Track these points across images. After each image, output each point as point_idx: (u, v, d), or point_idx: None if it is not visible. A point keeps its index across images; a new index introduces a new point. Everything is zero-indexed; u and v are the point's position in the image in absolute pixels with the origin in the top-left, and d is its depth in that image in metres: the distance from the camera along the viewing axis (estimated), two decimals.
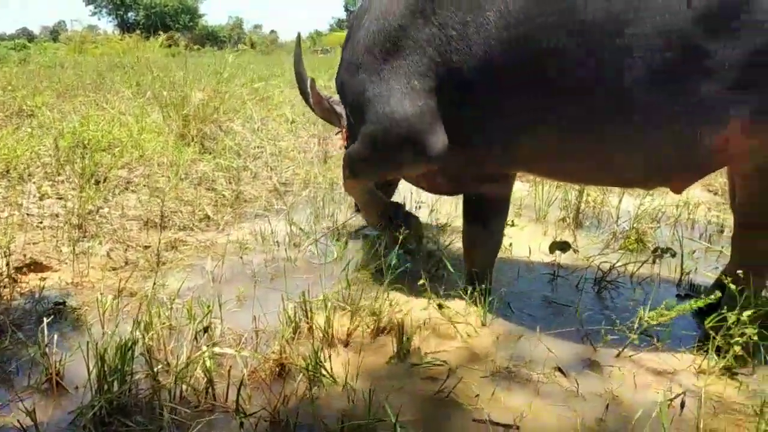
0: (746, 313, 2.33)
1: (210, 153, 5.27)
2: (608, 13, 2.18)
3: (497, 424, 1.97)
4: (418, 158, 2.66)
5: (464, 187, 2.95)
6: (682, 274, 3.22)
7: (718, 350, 2.28)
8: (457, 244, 3.60)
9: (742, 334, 2.23)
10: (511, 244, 3.56)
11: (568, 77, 2.31)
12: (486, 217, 2.93)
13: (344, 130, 3.11)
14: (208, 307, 2.29)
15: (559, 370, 2.31)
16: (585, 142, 2.45)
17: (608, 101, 2.29)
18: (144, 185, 4.36)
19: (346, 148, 3.10)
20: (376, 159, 2.85)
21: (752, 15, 2.04)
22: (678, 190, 2.66)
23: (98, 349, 1.98)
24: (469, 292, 2.82)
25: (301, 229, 3.70)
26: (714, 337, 2.28)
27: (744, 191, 2.50)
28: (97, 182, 4.26)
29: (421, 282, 2.67)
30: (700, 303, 2.31)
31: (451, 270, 2.96)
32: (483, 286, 2.76)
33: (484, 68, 2.41)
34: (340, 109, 3.12)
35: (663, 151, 2.36)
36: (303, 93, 3.25)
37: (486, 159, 2.68)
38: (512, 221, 3.72)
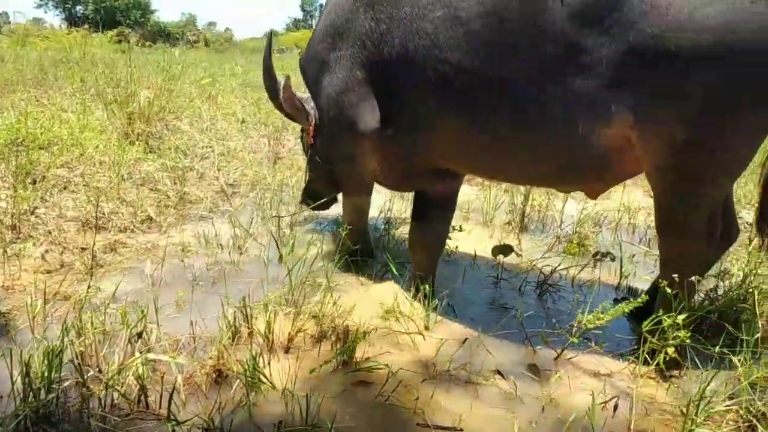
0: (680, 317, 2.40)
1: (155, 152, 5.13)
2: (494, 8, 2.31)
3: (441, 428, 1.98)
4: (355, 135, 2.86)
5: (412, 182, 3.10)
6: (621, 277, 3.30)
7: (653, 352, 2.35)
8: (403, 247, 3.61)
9: (675, 338, 2.30)
10: (457, 248, 3.60)
11: (459, 75, 2.43)
12: (432, 215, 3.03)
13: (311, 127, 3.28)
14: (143, 311, 2.22)
15: (499, 373, 2.34)
16: (481, 139, 2.57)
17: (493, 98, 2.42)
18: (84, 185, 4.21)
19: (311, 144, 3.32)
20: (331, 141, 3.08)
21: (624, 14, 2.09)
22: (592, 195, 2.76)
23: (23, 355, 1.89)
24: (412, 295, 2.83)
25: (246, 230, 3.63)
26: (649, 340, 2.35)
27: (654, 194, 2.51)
28: (34, 181, 4.10)
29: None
30: (630, 306, 2.36)
31: (396, 273, 2.97)
32: (427, 288, 2.77)
33: (403, 61, 2.60)
34: (308, 107, 3.30)
35: (556, 151, 2.46)
36: (270, 90, 3.34)
37: (412, 150, 2.84)
38: (460, 226, 3.75)
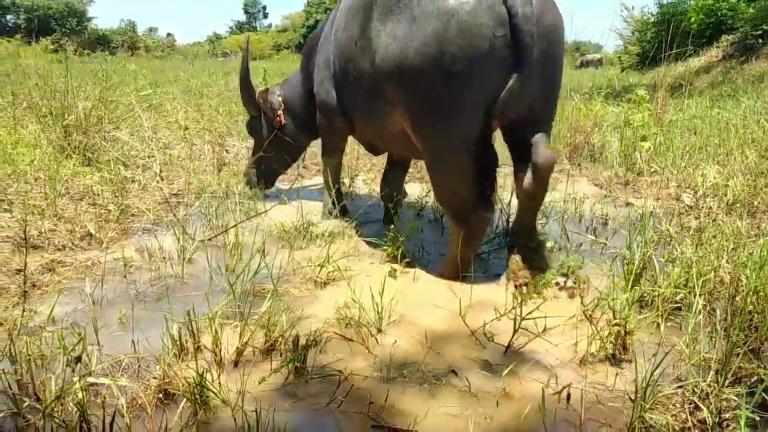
0: (623, 297, 2.45)
1: (94, 165, 4.95)
2: (348, 51, 3.38)
3: (396, 430, 1.95)
4: (327, 109, 3.99)
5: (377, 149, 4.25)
6: (569, 268, 3.34)
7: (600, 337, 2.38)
8: (349, 246, 3.58)
9: (618, 322, 2.34)
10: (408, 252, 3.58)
11: (348, 88, 3.58)
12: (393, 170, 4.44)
13: (281, 112, 4.60)
14: (80, 334, 2.12)
15: (452, 371, 2.33)
16: (366, 128, 3.72)
17: (357, 104, 3.56)
18: (18, 203, 4.03)
19: (281, 126, 4.63)
20: (320, 110, 4.15)
21: (371, 53, 3.10)
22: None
23: None
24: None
25: (192, 239, 3.54)
26: (592, 324, 2.39)
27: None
28: None
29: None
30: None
31: (344, 277, 2.93)
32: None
33: (335, 72, 3.74)
34: (273, 99, 4.63)
35: (394, 135, 3.36)
36: (245, 97, 4.71)
37: (352, 127, 3.94)
38: (416, 225, 3.75)
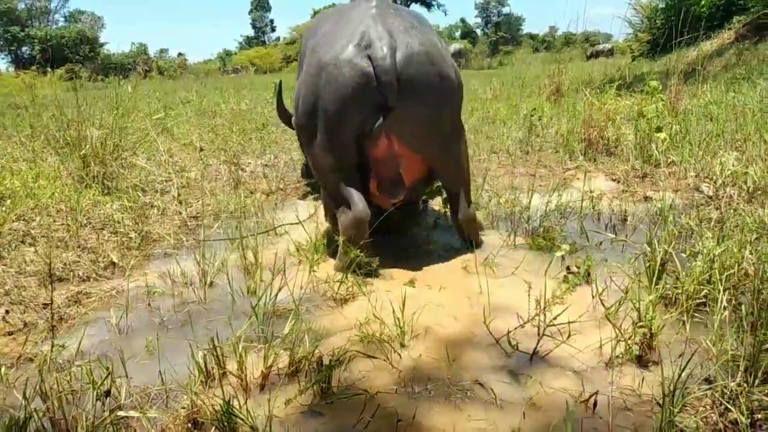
0: (648, 298, 2.43)
1: (113, 193, 5.03)
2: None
3: None
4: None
5: None
6: (589, 266, 3.31)
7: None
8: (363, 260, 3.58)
9: (643, 324, 2.32)
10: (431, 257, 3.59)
11: None
12: None
13: None
14: (107, 368, 2.16)
15: (477, 382, 2.32)
16: None
17: None
18: (42, 236, 4.10)
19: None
20: None
21: None
22: None
23: None
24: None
25: (208, 263, 3.57)
26: (616, 327, 2.37)
27: None
28: None
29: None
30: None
31: (364, 293, 2.94)
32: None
33: None
34: None
35: None
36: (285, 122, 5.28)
37: None
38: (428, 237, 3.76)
